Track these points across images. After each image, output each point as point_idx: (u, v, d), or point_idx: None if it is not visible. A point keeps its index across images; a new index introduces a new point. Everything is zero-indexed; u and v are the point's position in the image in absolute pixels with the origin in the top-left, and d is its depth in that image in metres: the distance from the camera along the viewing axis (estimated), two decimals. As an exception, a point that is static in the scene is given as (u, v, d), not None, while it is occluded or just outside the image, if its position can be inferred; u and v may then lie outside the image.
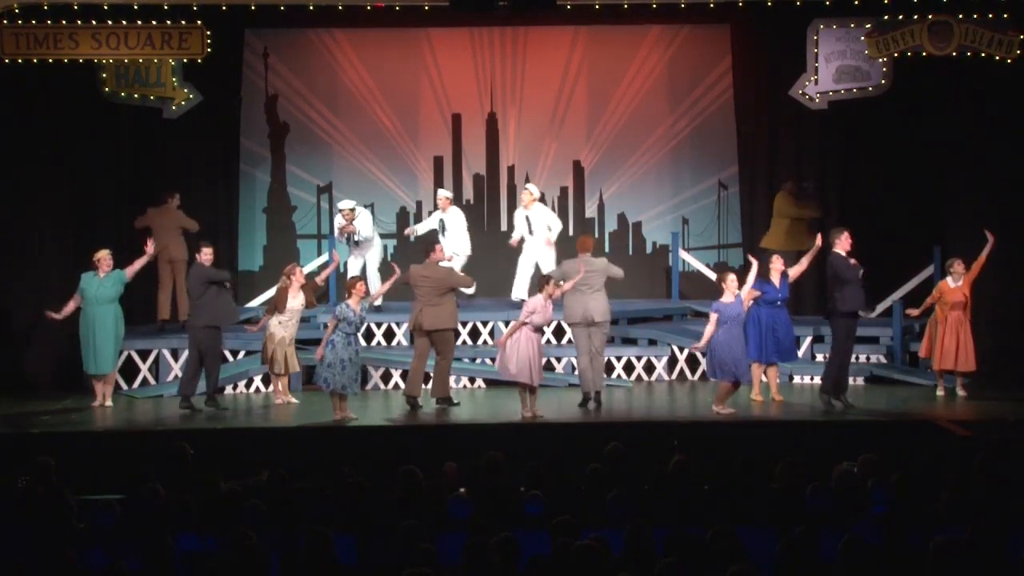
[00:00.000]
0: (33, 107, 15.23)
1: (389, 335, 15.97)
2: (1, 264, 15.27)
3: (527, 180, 17.21)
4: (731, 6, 15.85)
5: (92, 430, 12.97)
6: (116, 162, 16.44)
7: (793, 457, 9.35)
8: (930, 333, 14.38)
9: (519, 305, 14.39)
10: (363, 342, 13.67)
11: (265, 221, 17.66)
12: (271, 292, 16.89)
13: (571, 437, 12.41)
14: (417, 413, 13.43)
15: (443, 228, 16.06)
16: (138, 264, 14.21)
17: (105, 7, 14.75)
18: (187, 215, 16.07)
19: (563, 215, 17.74)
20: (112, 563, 7.06)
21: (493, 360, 15.39)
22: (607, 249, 17.60)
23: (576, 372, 14.11)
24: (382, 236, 16.81)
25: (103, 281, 13.99)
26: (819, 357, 15.20)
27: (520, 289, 15.92)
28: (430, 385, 13.86)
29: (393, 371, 15.33)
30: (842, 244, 13.37)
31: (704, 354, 13.90)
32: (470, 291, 15.33)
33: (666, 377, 15.68)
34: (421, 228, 16.47)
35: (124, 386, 14.97)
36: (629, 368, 15.71)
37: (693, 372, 15.77)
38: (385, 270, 15.89)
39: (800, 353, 15.65)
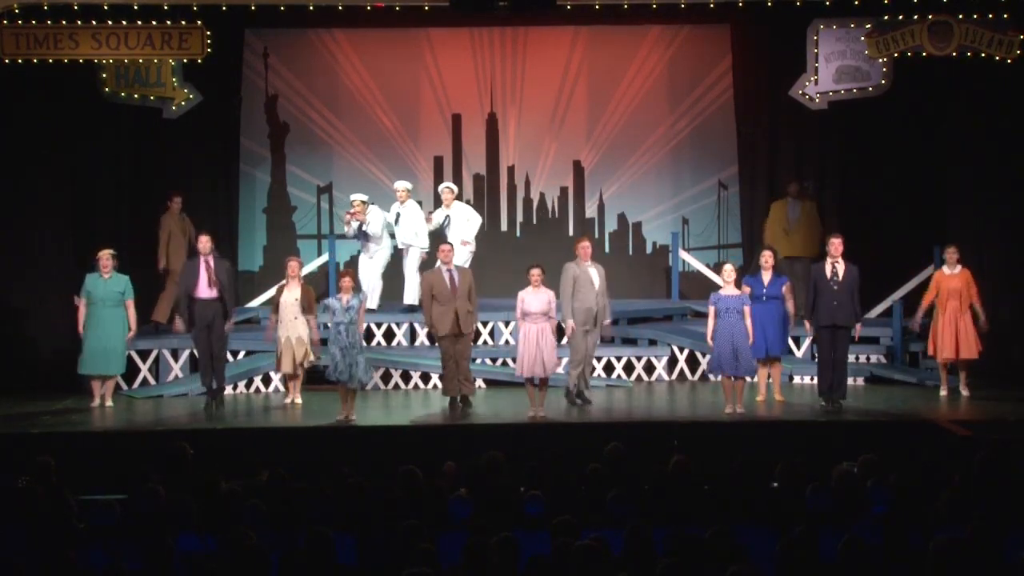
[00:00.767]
0: (33, 107, 15.22)
1: (389, 335, 15.97)
2: (1, 264, 15.27)
3: (443, 181, 17.03)
4: (731, 6, 15.85)
5: (92, 430, 12.97)
6: (116, 162, 16.45)
7: (793, 457, 9.35)
8: (933, 329, 14.36)
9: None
10: (363, 342, 13.68)
11: (265, 221, 17.66)
12: (271, 292, 16.93)
13: (571, 437, 12.41)
14: (467, 410, 13.49)
15: (449, 223, 16.00)
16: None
17: (105, 7, 14.75)
18: (188, 215, 16.12)
19: (563, 215, 17.77)
20: (112, 563, 7.06)
21: (493, 360, 15.46)
22: (607, 249, 17.62)
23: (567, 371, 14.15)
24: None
25: (108, 282, 13.97)
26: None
27: (411, 294, 15.82)
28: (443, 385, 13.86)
29: (393, 371, 15.33)
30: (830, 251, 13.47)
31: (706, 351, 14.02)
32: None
33: (666, 377, 15.68)
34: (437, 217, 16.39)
35: (124, 386, 14.97)
36: (629, 368, 15.71)
37: (693, 372, 15.77)
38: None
39: (800, 353, 15.67)
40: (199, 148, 16.77)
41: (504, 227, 17.62)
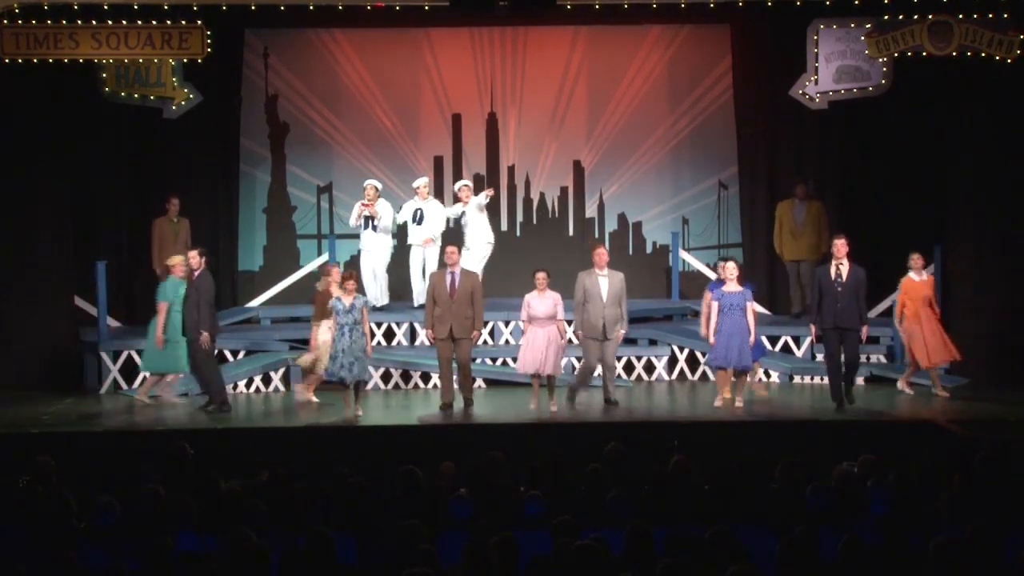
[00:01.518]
0: (33, 107, 15.22)
1: (389, 335, 15.97)
2: (1, 264, 15.26)
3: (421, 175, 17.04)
4: (731, 6, 15.85)
5: (92, 430, 12.97)
6: (116, 162, 16.46)
7: (793, 457, 9.35)
8: (911, 340, 14.28)
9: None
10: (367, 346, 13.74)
11: (265, 221, 17.65)
12: (271, 292, 16.97)
13: (571, 437, 12.41)
14: (468, 412, 13.53)
15: (419, 219, 15.98)
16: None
17: (105, 7, 14.74)
18: (189, 216, 16.14)
19: (563, 215, 17.77)
20: (112, 563, 7.06)
21: (493, 360, 15.46)
22: (607, 249, 17.59)
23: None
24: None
25: (181, 284, 14.00)
26: (819, 357, 15.17)
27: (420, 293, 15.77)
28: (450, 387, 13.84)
29: (393, 371, 15.33)
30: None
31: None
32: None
33: (666, 377, 15.68)
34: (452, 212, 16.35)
35: (124, 386, 14.97)
36: (629, 368, 15.71)
37: (693, 372, 15.76)
38: (392, 271, 15.95)
39: (800, 353, 15.66)
40: (199, 148, 16.77)
41: (504, 227, 17.61)
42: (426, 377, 15.24)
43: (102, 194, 16.41)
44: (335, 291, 13.63)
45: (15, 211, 15.27)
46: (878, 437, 12.19)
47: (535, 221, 17.84)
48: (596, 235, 17.63)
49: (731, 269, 13.67)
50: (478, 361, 15.18)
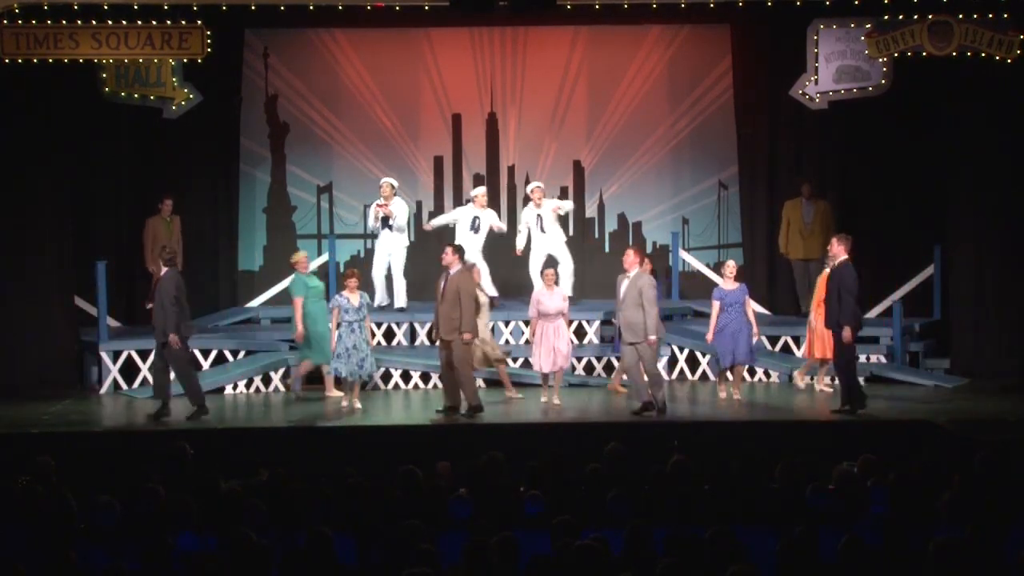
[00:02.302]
0: (33, 107, 15.21)
1: (389, 335, 15.96)
2: (1, 264, 15.26)
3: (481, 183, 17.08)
4: (731, 6, 15.84)
5: (92, 430, 12.97)
6: (116, 162, 16.46)
7: (793, 457, 9.35)
8: (812, 329, 14.35)
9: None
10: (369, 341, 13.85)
11: (265, 221, 17.65)
12: (271, 292, 16.97)
13: (571, 437, 12.42)
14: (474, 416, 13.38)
15: (476, 226, 16.00)
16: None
17: (105, 7, 14.73)
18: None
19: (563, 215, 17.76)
20: (112, 563, 7.06)
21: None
22: (607, 249, 17.62)
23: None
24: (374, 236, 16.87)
25: (311, 277, 14.29)
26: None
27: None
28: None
29: (393, 371, 15.32)
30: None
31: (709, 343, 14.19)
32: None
33: (666, 377, 15.66)
34: (440, 221, 16.36)
35: (124, 386, 14.96)
36: (629, 368, 15.70)
37: (693, 372, 15.76)
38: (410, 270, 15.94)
39: (800, 353, 15.66)
40: (199, 148, 16.77)
41: (504, 227, 17.58)
42: (426, 377, 15.23)
43: (102, 194, 16.41)
44: (350, 293, 13.70)
45: (15, 211, 15.27)
46: (878, 437, 12.19)
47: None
48: (596, 235, 17.63)
49: (729, 268, 14.14)
50: (478, 361, 15.17)
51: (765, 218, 17.00)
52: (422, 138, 17.67)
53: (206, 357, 15.24)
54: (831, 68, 16.22)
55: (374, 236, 16.14)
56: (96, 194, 16.33)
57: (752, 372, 15.30)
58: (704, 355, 15.44)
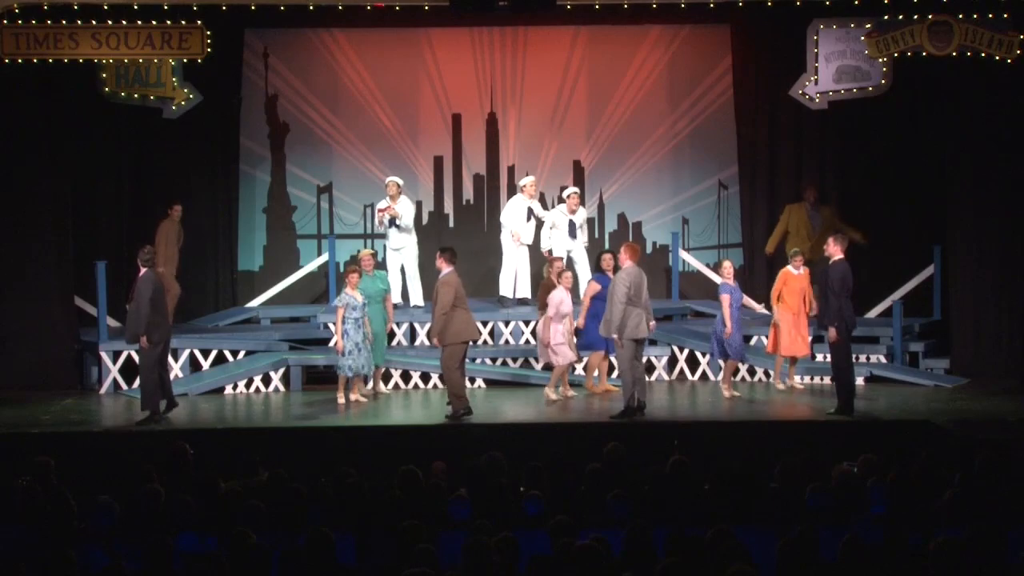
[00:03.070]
0: (33, 107, 15.21)
1: (389, 335, 15.93)
2: (1, 264, 15.26)
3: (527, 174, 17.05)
4: (731, 6, 15.84)
5: (92, 430, 12.97)
6: (116, 162, 16.47)
7: (793, 457, 9.35)
8: (776, 326, 14.44)
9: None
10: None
11: (265, 221, 17.66)
12: (271, 292, 16.98)
13: (571, 437, 12.41)
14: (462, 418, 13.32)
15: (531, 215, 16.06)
16: None
17: (105, 7, 14.74)
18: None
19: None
20: (112, 563, 7.06)
21: (493, 360, 15.44)
22: (607, 249, 17.60)
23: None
24: (375, 235, 16.86)
25: (373, 280, 14.28)
26: (819, 357, 15.18)
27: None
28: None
29: (393, 371, 15.31)
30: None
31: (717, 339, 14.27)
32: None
33: (666, 377, 15.66)
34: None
35: (124, 386, 14.96)
36: (629, 368, 15.70)
37: (693, 372, 15.75)
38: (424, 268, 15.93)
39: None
40: (199, 148, 16.79)
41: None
42: (426, 377, 15.22)
43: (102, 194, 16.42)
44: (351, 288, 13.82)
45: (15, 211, 15.27)
46: (878, 437, 12.18)
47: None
48: (596, 235, 17.62)
49: (726, 268, 14.42)
50: (477, 361, 15.16)
51: (765, 218, 17.01)
52: (422, 138, 17.68)
53: (206, 357, 15.26)
54: (831, 68, 16.23)
55: (383, 236, 16.17)
56: (96, 194, 16.33)
57: (752, 372, 15.33)
58: (704, 355, 15.43)
